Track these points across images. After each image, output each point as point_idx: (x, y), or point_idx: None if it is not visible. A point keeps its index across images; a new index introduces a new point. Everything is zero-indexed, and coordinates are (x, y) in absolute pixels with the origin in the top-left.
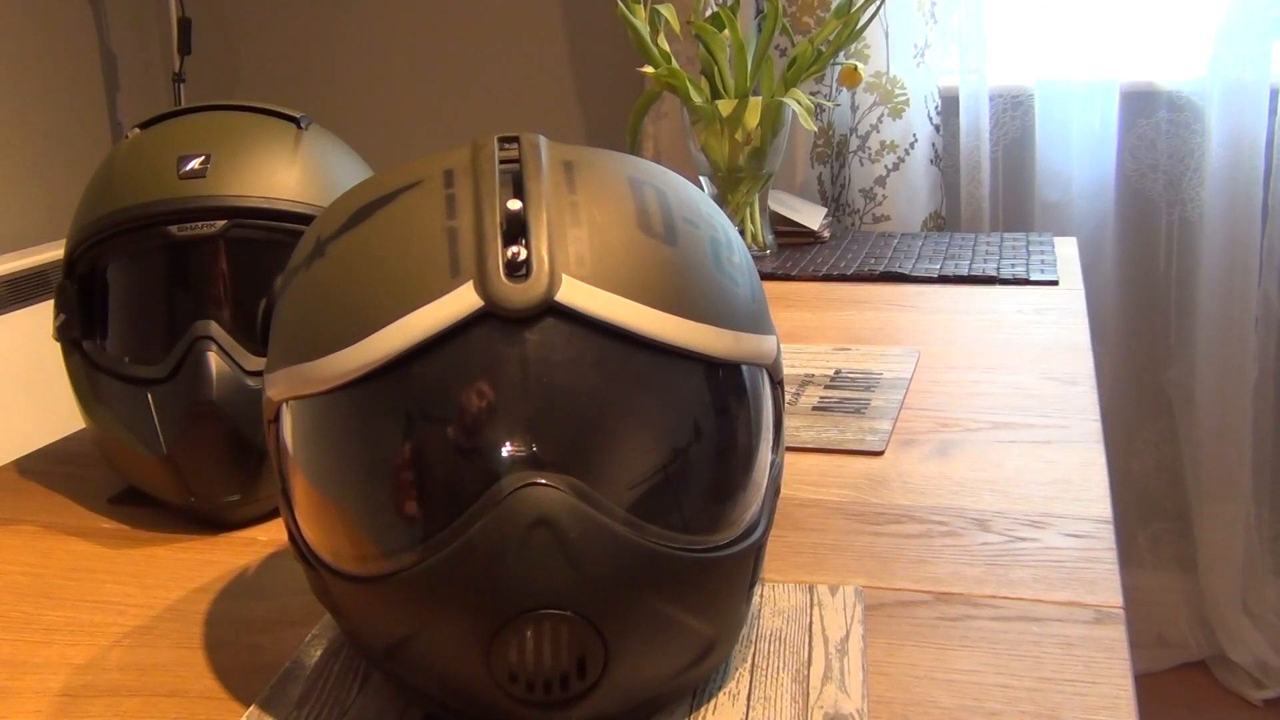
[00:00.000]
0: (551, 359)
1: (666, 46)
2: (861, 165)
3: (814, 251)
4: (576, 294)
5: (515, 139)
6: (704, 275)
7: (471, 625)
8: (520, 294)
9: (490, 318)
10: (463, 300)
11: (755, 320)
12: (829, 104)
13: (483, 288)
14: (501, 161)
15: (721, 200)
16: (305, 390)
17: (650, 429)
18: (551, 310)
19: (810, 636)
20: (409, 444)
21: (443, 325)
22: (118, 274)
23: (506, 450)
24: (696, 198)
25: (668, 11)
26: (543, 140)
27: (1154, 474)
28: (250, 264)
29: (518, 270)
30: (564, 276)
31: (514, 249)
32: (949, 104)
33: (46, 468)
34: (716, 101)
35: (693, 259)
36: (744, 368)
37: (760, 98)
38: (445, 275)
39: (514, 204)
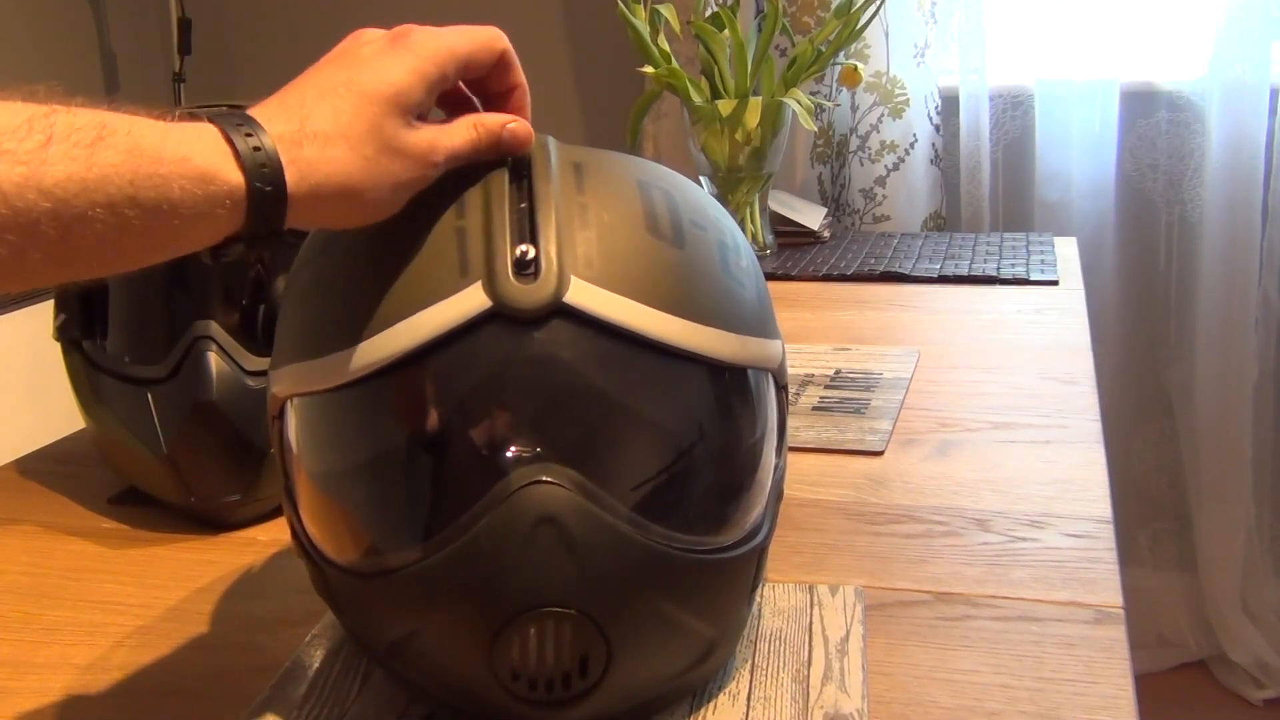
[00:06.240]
0: (559, 359)
1: (666, 46)
2: (861, 165)
3: (814, 251)
4: (584, 295)
5: None
6: (711, 279)
7: (474, 623)
8: (528, 294)
9: (498, 318)
10: (471, 300)
11: (761, 324)
12: (829, 104)
13: (491, 288)
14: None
15: (722, 200)
16: (311, 387)
17: (655, 430)
18: (559, 311)
19: (810, 636)
20: (415, 441)
21: (451, 325)
22: (117, 273)
23: (512, 449)
24: (704, 201)
25: (668, 11)
26: (552, 141)
27: (1154, 474)
28: (250, 264)
29: (526, 271)
30: (572, 278)
31: (522, 249)
32: (949, 104)
33: (46, 468)
34: (716, 101)
35: (700, 262)
36: (749, 371)
37: (760, 98)
38: (454, 275)
39: (523, 205)
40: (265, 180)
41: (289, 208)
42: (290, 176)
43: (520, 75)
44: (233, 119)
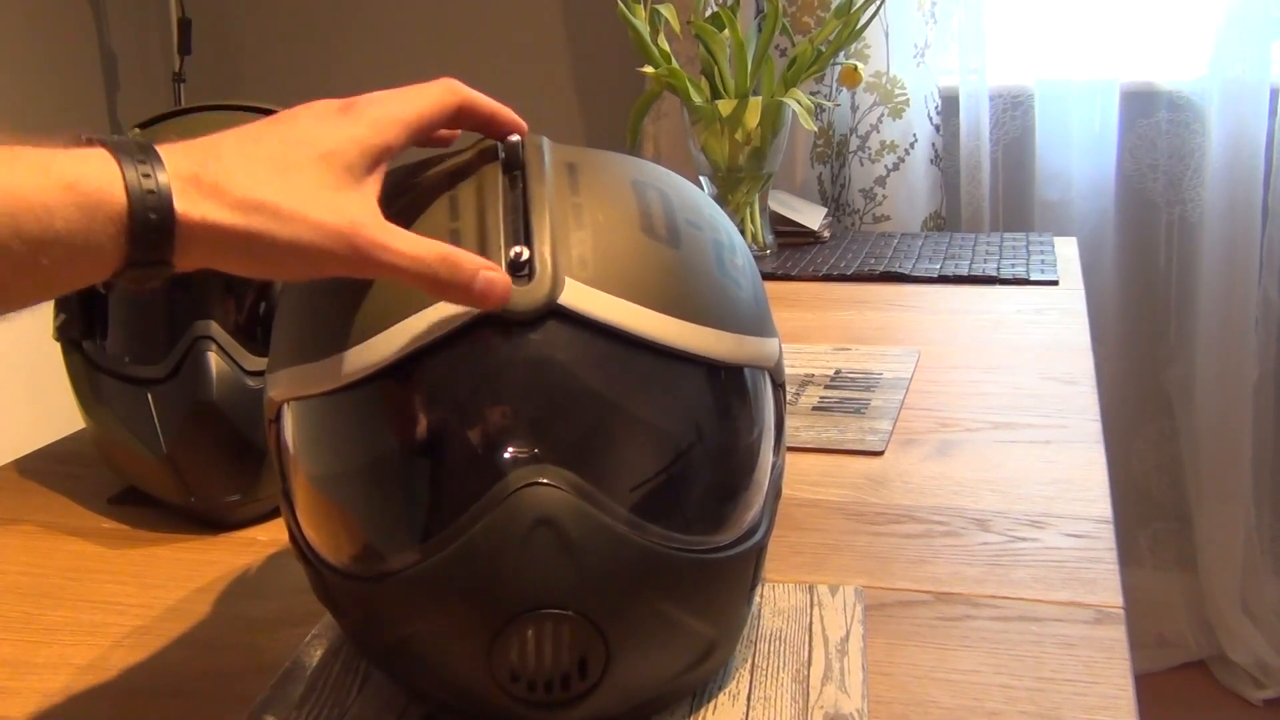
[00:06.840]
0: (554, 361)
1: (666, 46)
2: (861, 165)
3: (814, 251)
4: (579, 297)
5: (519, 140)
6: (706, 278)
7: (473, 624)
8: (523, 296)
9: (493, 320)
10: None
11: (757, 323)
12: (829, 104)
13: None
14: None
15: (721, 200)
16: (308, 391)
17: (652, 431)
18: (554, 313)
19: (810, 636)
20: (411, 444)
21: (446, 328)
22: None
23: (509, 451)
24: (699, 200)
25: (668, 11)
26: (546, 141)
27: (1154, 474)
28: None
29: (521, 272)
30: (566, 279)
31: (516, 250)
32: (949, 104)
33: (46, 468)
34: (716, 101)
35: (695, 262)
36: (746, 370)
37: (760, 98)
38: None
39: (517, 206)
40: (150, 206)
41: (177, 239)
42: (180, 205)
43: (489, 108)
44: (131, 145)
